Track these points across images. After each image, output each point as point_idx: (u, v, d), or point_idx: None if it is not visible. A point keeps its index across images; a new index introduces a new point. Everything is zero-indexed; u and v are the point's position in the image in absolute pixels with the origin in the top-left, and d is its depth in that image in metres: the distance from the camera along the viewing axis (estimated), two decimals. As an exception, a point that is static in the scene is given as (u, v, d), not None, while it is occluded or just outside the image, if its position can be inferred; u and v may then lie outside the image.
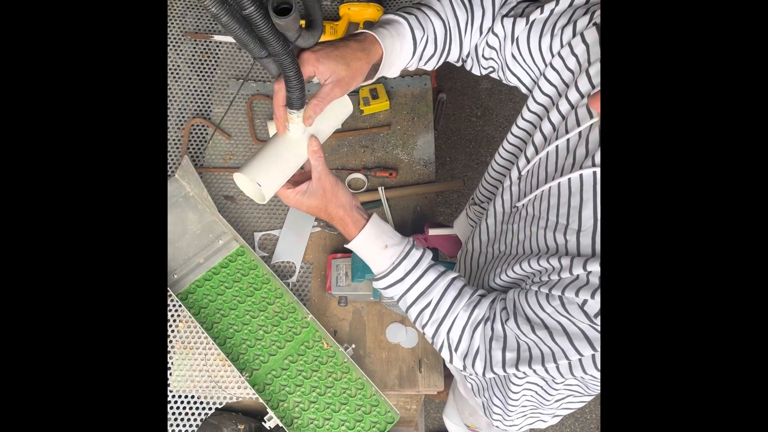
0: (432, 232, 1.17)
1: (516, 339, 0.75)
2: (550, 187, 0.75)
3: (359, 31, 0.78)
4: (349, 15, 1.44)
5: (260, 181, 0.74)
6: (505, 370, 0.75)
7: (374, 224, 0.80)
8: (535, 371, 0.74)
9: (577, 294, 0.65)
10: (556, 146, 0.77)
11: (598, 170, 0.67)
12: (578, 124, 0.74)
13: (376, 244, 0.80)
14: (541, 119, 0.84)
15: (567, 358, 0.70)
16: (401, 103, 1.38)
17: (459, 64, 0.93)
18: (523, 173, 0.84)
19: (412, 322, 0.85)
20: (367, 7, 1.43)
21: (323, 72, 0.72)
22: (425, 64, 0.88)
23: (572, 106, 0.76)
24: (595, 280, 0.64)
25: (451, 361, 0.82)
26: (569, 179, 0.71)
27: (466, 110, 2.45)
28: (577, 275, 0.66)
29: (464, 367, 0.80)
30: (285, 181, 0.78)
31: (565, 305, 0.67)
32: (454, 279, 0.81)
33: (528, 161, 0.83)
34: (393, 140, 1.34)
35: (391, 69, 0.83)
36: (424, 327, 0.81)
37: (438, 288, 0.79)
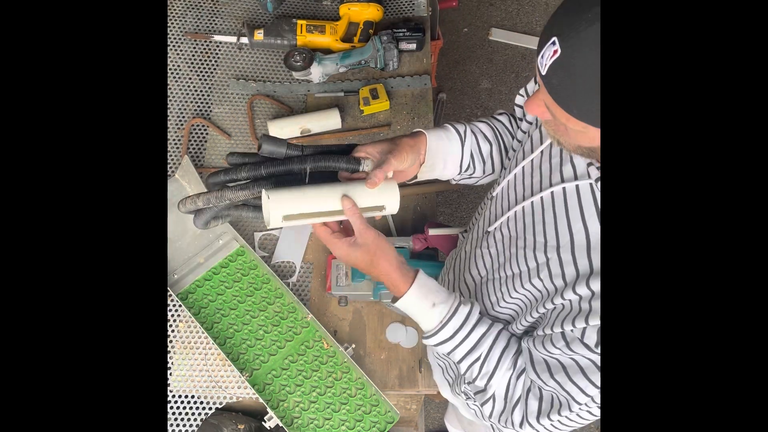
0: (432, 232, 1.17)
1: (540, 389, 0.76)
2: (523, 207, 0.78)
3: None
4: (349, 15, 1.44)
5: (274, 202, 0.74)
6: (539, 421, 0.75)
7: (420, 283, 0.79)
8: (568, 417, 0.73)
9: (574, 324, 0.67)
10: (522, 167, 0.81)
11: (566, 185, 0.71)
12: (541, 142, 0.79)
13: (424, 302, 0.79)
14: (517, 151, 0.89)
15: (586, 394, 0.70)
16: (401, 103, 1.38)
17: None
18: (494, 194, 0.88)
19: (461, 374, 0.85)
20: (367, 7, 1.43)
21: (372, 152, 0.81)
22: (493, 165, 0.96)
23: (536, 125, 0.82)
24: (585, 305, 0.66)
25: (491, 416, 0.82)
26: (541, 197, 0.75)
27: (466, 110, 2.45)
28: (570, 300, 0.68)
29: (506, 421, 0.80)
30: (300, 220, 0.76)
31: (569, 344, 0.68)
32: (501, 331, 0.82)
33: (499, 186, 0.87)
34: (393, 140, 1.34)
35: (447, 163, 0.91)
36: (474, 380, 0.82)
37: (487, 342, 0.80)
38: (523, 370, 0.79)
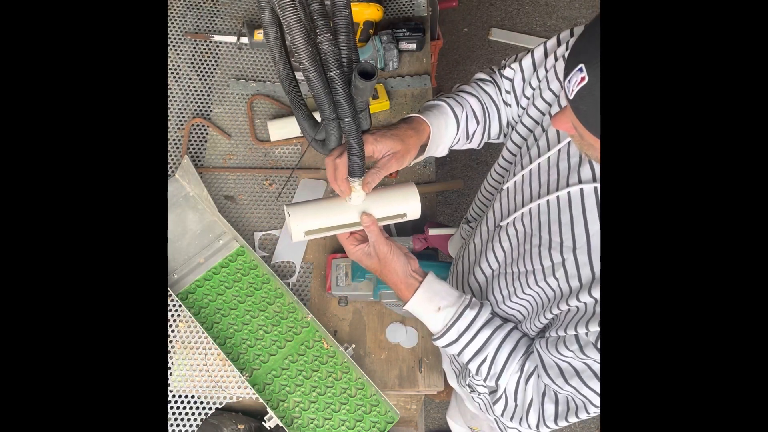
0: (432, 232, 1.17)
1: (556, 393, 0.77)
2: (538, 204, 0.78)
3: (408, 115, 0.88)
4: (349, 15, 1.44)
5: (295, 219, 0.80)
6: (557, 423, 0.77)
7: (426, 288, 0.82)
8: (582, 418, 0.76)
9: (587, 327, 0.67)
10: (539, 164, 0.81)
11: (584, 186, 0.71)
12: (559, 140, 0.78)
13: (429, 307, 0.82)
14: (526, 140, 0.89)
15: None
16: (401, 103, 1.38)
17: (501, 140, 0.99)
18: (505, 188, 0.88)
19: (471, 374, 0.89)
20: (367, 7, 1.42)
21: (381, 149, 0.80)
22: (471, 140, 0.95)
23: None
24: (600, 308, 0.67)
25: (502, 414, 0.84)
26: (557, 196, 0.75)
27: (466, 110, 2.45)
28: (585, 303, 0.69)
29: (519, 420, 0.82)
30: (320, 233, 0.82)
31: (582, 348, 0.69)
32: (510, 332, 0.83)
33: (512, 179, 0.87)
34: (393, 140, 1.34)
35: (438, 147, 0.90)
36: (485, 380, 0.84)
37: (493, 344, 0.81)
38: (531, 374, 0.80)
